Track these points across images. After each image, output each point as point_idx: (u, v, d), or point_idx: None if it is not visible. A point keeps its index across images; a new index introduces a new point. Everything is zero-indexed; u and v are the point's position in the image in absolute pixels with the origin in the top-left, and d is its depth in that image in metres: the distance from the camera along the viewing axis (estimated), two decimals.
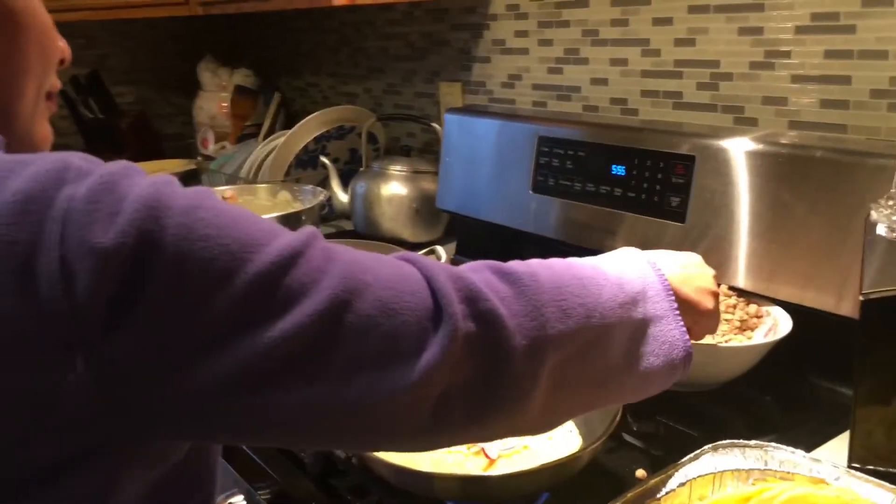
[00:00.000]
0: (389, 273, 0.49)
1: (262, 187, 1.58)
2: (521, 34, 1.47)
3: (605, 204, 1.18)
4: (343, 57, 2.01)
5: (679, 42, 1.21)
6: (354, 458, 0.76)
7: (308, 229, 0.49)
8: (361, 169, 1.64)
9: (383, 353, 0.46)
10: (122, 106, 2.29)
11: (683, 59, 1.21)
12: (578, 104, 1.40)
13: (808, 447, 0.84)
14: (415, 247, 1.49)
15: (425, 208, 1.56)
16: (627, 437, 0.84)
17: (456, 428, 0.51)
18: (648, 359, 0.59)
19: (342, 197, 1.64)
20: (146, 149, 2.16)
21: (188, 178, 1.93)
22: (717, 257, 1.03)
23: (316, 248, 0.48)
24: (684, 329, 0.61)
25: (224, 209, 0.47)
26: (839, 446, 0.83)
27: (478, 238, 1.49)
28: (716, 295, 0.68)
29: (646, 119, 1.29)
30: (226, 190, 1.54)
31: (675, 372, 0.61)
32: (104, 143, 2.16)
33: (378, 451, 0.70)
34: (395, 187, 1.56)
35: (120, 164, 0.46)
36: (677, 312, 0.60)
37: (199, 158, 2.01)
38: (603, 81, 1.35)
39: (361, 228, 1.62)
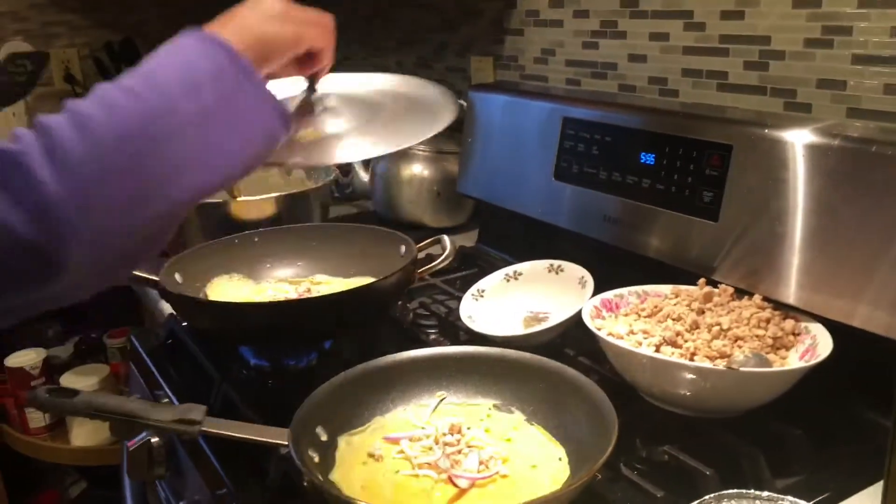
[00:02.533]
0: None
1: None
2: (556, 4, 1.34)
3: (632, 196, 1.05)
4: (375, 28, 1.91)
5: (726, 14, 1.07)
6: (307, 482, 0.68)
7: None
8: None
9: None
10: None
11: (730, 35, 1.07)
12: (614, 83, 1.27)
13: (840, 494, 0.72)
14: (435, 232, 1.39)
15: (448, 192, 1.46)
16: (625, 470, 0.73)
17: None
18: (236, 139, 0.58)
19: (363, 176, 1.56)
20: None
21: None
22: (753, 263, 0.90)
23: None
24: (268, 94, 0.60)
25: None
26: (877, 494, 0.70)
27: (501, 228, 1.38)
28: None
29: (686, 102, 1.15)
30: None
31: (274, 136, 0.61)
32: None
33: None
34: (416, 168, 1.47)
35: None
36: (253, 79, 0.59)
37: None
38: (641, 58, 1.21)
39: (382, 210, 1.53)
